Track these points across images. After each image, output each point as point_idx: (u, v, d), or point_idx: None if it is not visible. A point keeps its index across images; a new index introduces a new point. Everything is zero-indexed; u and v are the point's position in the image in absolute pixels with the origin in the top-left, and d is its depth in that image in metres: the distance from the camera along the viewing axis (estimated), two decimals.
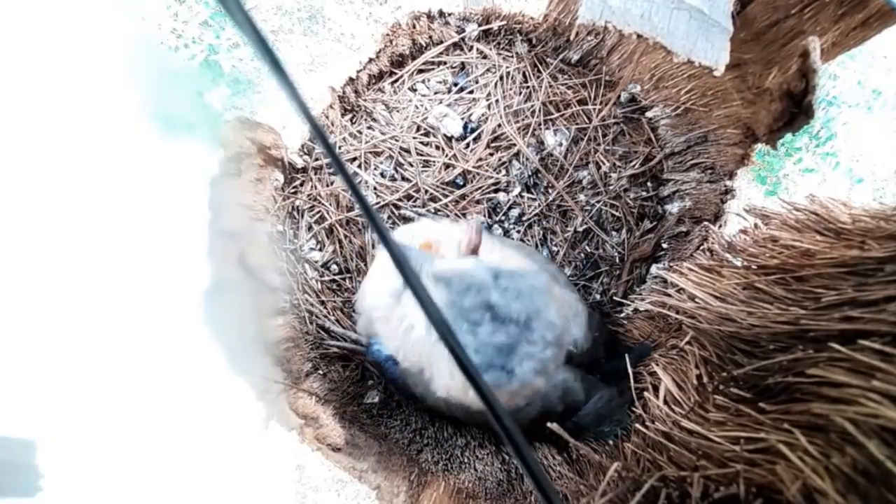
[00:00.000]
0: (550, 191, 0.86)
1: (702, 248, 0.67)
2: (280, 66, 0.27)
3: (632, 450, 0.51)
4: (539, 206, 0.85)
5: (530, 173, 0.85)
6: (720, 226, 0.75)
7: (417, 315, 0.55)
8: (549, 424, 0.52)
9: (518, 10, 0.86)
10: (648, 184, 0.87)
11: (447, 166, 0.84)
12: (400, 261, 0.29)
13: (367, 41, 0.81)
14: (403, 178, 0.84)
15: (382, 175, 0.84)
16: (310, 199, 0.82)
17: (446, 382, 0.57)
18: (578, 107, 0.87)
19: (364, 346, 0.67)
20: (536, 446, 0.65)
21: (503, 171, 0.86)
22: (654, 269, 0.85)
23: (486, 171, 0.85)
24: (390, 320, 0.58)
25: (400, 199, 0.83)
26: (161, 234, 0.89)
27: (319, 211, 0.82)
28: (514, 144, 0.85)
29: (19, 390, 0.87)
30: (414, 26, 0.84)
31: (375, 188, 0.84)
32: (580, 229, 0.86)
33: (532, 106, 0.86)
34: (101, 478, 0.91)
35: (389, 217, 0.83)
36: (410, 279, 0.28)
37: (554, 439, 0.53)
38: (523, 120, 0.86)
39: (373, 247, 0.82)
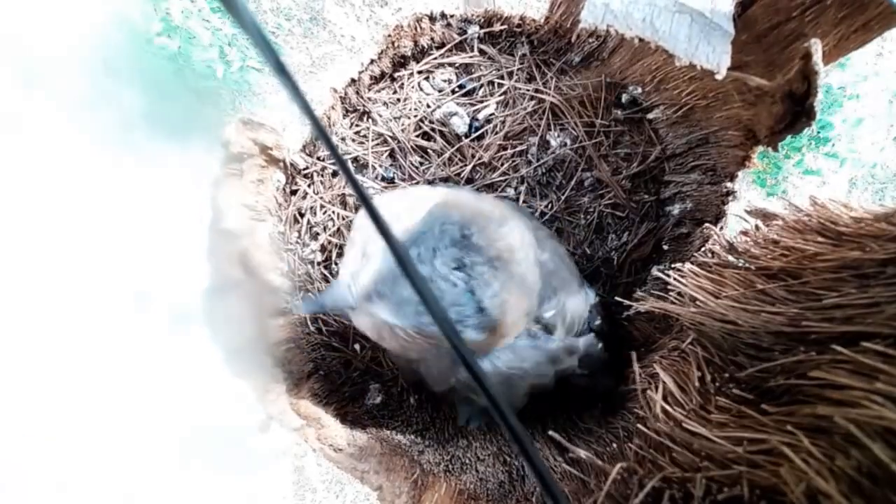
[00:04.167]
0: (552, 192, 0.86)
1: (703, 249, 0.67)
2: (283, 66, 0.27)
3: (634, 451, 0.51)
4: (541, 207, 0.85)
5: (532, 174, 0.86)
6: (721, 227, 0.74)
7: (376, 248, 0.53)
8: (549, 433, 0.51)
9: (519, 13, 0.87)
10: (649, 185, 0.87)
11: (449, 167, 0.84)
12: (402, 260, 0.29)
13: (368, 43, 0.81)
14: (405, 179, 0.84)
15: (384, 177, 0.84)
16: (311, 200, 0.82)
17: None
18: (580, 108, 0.87)
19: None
20: (535, 439, 0.65)
21: (505, 173, 0.86)
22: (654, 270, 0.84)
23: (488, 172, 0.85)
24: (354, 243, 0.57)
25: None
26: (161, 235, 0.89)
27: (321, 211, 0.82)
28: (517, 146, 0.85)
29: (19, 390, 0.87)
30: (416, 28, 0.84)
31: (377, 189, 0.84)
32: (581, 230, 0.86)
33: (534, 107, 0.86)
34: (101, 478, 0.91)
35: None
36: (411, 276, 0.28)
37: (553, 436, 0.53)
38: (525, 121, 0.86)
39: None
